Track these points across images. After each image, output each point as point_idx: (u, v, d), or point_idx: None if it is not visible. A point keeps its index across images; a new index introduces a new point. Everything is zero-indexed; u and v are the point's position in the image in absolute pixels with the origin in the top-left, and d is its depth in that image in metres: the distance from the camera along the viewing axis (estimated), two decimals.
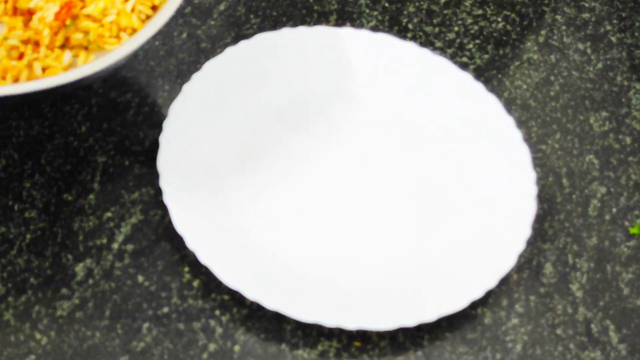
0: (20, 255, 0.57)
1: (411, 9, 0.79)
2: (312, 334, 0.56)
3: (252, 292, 0.54)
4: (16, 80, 0.55)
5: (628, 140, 0.71)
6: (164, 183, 0.58)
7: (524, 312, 0.59)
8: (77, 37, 0.55)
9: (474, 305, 0.58)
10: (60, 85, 0.50)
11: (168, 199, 0.57)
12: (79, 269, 0.57)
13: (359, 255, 0.60)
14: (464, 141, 0.67)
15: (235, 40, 0.71)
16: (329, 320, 0.54)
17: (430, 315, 0.55)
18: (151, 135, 0.65)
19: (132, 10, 0.56)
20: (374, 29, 0.76)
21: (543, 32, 0.79)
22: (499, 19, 0.79)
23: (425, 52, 0.70)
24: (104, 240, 0.59)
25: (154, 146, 0.64)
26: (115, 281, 0.57)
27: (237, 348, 0.55)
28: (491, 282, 0.57)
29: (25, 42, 0.56)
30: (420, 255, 0.60)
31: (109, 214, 0.60)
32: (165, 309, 0.56)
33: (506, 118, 0.67)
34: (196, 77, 0.65)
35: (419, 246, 0.61)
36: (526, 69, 0.75)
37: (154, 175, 0.62)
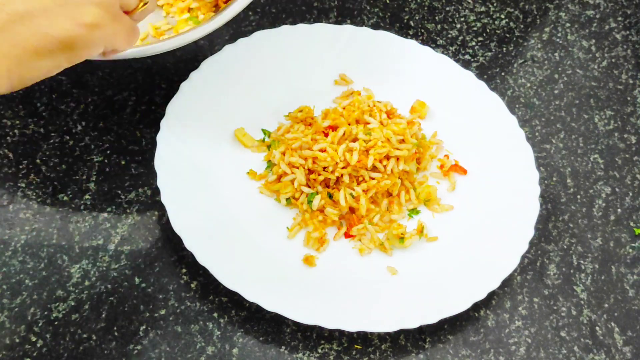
0: (15, 257, 0.57)
1: (413, 6, 0.78)
2: (312, 336, 0.55)
3: (251, 294, 0.54)
4: None
5: (633, 139, 0.70)
6: (161, 183, 0.57)
7: (527, 314, 0.58)
8: None
9: (477, 307, 0.57)
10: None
11: (165, 199, 0.57)
12: (75, 270, 0.56)
13: (359, 256, 0.59)
14: (466, 140, 0.66)
15: (234, 37, 0.70)
16: (329, 322, 0.53)
17: (432, 317, 0.54)
18: (148, 135, 0.64)
19: None
20: (375, 26, 0.75)
21: (547, 29, 0.78)
22: (502, 16, 0.78)
23: (427, 50, 0.69)
24: (100, 241, 0.58)
25: (151, 145, 0.63)
26: (111, 283, 0.56)
27: (235, 351, 0.54)
28: (494, 284, 0.56)
29: None
30: (421, 256, 0.59)
31: (105, 215, 0.59)
32: (163, 311, 0.55)
33: (509, 117, 0.66)
34: (194, 75, 0.64)
35: (419, 247, 0.60)
36: (530, 66, 0.75)
37: (151, 175, 0.61)
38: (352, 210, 0.60)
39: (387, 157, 0.61)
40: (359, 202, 0.59)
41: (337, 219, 0.60)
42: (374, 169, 0.60)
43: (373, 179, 0.60)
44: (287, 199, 0.61)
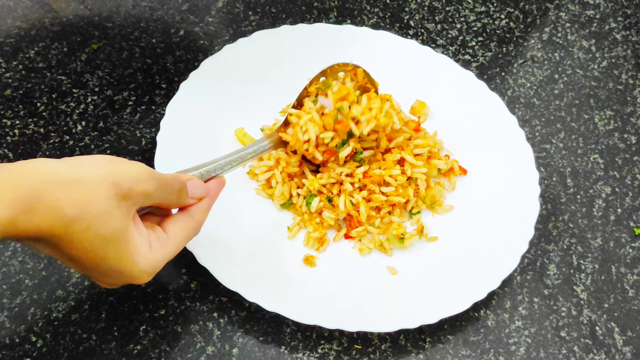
0: (15, 257, 0.57)
1: (413, 6, 0.78)
2: (311, 336, 0.55)
3: (251, 294, 0.53)
4: None
5: (633, 139, 0.70)
6: None
7: (527, 314, 0.58)
8: None
9: (477, 307, 0.57)
10: None
11: None
12: (75, 270, 0.56)
13: (359, 256, 0.59)
14: (466, 140, 0.66)
15: (234, 37, 0.70)
16: (329, 322, 0.53)
17: (432, 317, 0.54)
18: (148, 134, 0.64)
19: None
20: (375, 26, 0.75)
21: (547, 29, 0.78)
22: (502, 16, 0.78)
23: (427, 50, 0.69)
24: None
25: (151, 145, 0.63)
26: None
27: (235, 351, 0.54)
28: (494, 284, 0.56)
29: None
30: (421, 256, 0.59)
31: None
32: (163, 311, 0.55)
33: (509, 117, 0.66)
34: (194, 75, 0.64)
35: (419, 247, 0.60)
36: (530, 66, 0.75)
37: None
38: (351, 214, 0.60)
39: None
40: (359, 210, 0.59)
41: (333, 223, 0.59)
42: (386, 183, 0.60)
43: (384, 194, 0.60)
44: (282, 204, 0.61)
